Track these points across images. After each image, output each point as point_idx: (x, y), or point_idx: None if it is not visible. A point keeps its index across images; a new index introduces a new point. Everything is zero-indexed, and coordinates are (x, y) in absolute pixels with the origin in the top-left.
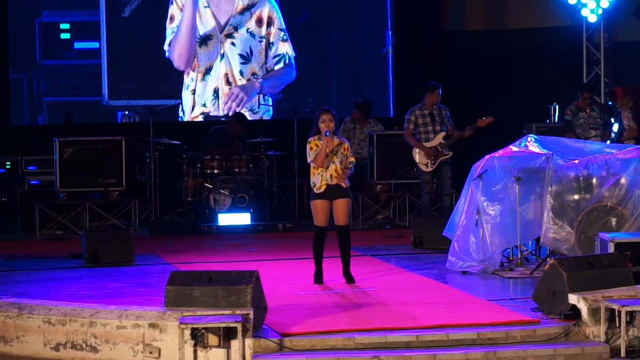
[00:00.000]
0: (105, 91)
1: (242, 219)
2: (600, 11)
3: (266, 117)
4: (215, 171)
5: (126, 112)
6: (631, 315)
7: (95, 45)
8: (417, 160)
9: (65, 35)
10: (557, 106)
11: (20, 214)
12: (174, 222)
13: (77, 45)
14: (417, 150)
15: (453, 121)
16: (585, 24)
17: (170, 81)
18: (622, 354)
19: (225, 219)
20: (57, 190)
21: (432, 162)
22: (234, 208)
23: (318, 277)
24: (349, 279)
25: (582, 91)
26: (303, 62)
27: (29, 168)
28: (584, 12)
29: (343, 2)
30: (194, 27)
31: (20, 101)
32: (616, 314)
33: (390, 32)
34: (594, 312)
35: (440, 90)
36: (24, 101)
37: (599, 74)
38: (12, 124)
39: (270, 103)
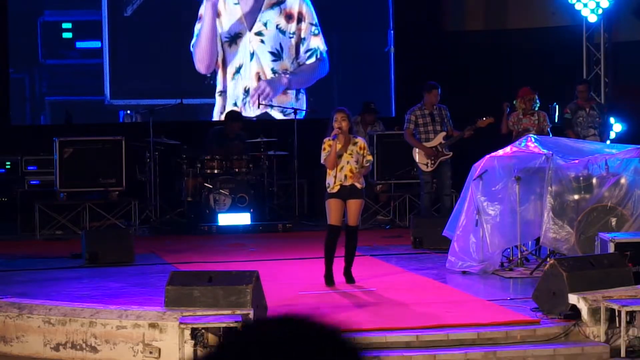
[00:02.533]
0: (107, 91)
1: (242, 219)
2: (600, 11)
3: (299, 117)
4: (215, 171)
5: (128, 112)
6: (631, 315)
7: (97, 44)
8: (417, 160)
9: (67, 35)
10: (557, 106)
11: (20, 214)
12: (174, 222)
13: (79, 44)
14: (417, 150)
15: (453, 121)
16: (585, 24)
17: (172, 81)
18: (622, 354)
19: (225, 219)
20: (57, 190)
21: (432, 162)
22: (234, 208)
23: (329, 279)
24: (349, 279)
25: (577, 85)
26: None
27: (29, 168)
28: (584, 12)
29: (345, 2)
30: (214, 32)
31: (22, 101)
32: (616, 314)
33: (392, 32)
34: (594, 312)
35: (439, 90)
36: (25, 101)
37: (599, 74)
38: (13, 124)
39: (295, 105)
